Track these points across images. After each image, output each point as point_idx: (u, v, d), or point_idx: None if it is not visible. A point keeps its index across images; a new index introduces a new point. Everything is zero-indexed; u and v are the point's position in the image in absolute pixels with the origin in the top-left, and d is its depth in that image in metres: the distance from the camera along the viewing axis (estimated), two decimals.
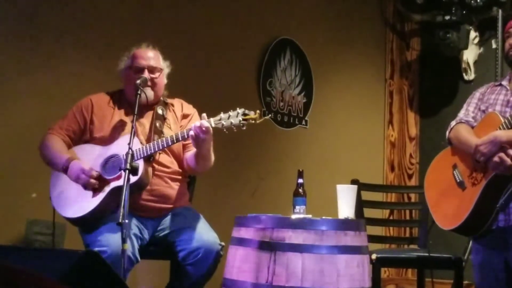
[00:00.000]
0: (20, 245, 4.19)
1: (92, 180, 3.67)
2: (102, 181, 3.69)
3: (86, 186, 3.69)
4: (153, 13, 5.11)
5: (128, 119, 3.86)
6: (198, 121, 3.63)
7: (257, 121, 3.56)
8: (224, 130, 3.58)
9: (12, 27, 4.37)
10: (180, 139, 3.69)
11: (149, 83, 3.84)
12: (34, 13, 4.47)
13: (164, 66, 3.97)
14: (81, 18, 4.68)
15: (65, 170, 3.74)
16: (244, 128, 3.55)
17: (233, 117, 3.54)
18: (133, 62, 3.89)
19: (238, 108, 3.56)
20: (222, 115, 3.58)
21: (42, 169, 3.95)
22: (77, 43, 4.63)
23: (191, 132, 3.60)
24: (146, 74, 3.84)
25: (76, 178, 3.69)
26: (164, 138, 3.70)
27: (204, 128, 3.56)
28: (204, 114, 3.65)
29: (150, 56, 3.93)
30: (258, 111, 3.56)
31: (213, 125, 3.58)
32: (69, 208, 3.72)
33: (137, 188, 3.65)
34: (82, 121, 3.89)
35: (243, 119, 3.52)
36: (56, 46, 4.53)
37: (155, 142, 3.68)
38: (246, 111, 3.54)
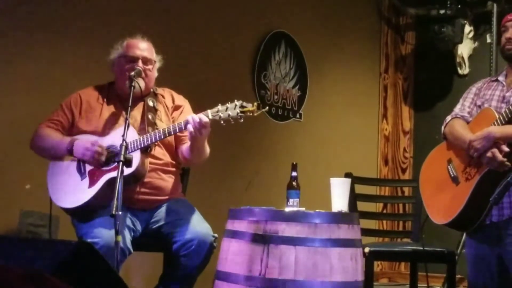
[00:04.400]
0: (13, 235, 4.19)
1: (100, 149, 3.65)
2: (99, 171, 3.69)
3: (95, 157, 3.65)
4: (147, 4, 5.09)
5: (118, 112, 3.85)
6: (196, 114, 3.62)
7: (255, 114, 3.54)
8: (222, 122, 3.56)
9: (3, 19, 4.35)
10: (178, 130, 3.68)
11: (142, 74, 3.83)
12: (26, 5, 4.45)
13: (157, 59, 3.97)
14: (73, 9, 4.66)
15: (70, 149, 3.72)
16: (242, 120, 3.54)
17: (231, 109, 3.53)
18: (127, 51, 3.87)
19: (236, 100, 3.54)
20: (219, 107, 3.57)
21: (35, 161, 3.94)
22: (69, 35, 4.61)
23: (189, 126, 3.59)
24: (140, 65, 3.82)
25: (85, 150, 3.66)
26: (161, 129, 3.69)
27: (203, 123, 3.56)
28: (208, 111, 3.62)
29: (145, 47, 3.91)
30: (255, 103, 3.55)
31: (210, 117, 3.57)
32: (66, 198, 3.71)
33: (134, 180, 3.65)
34: (70, 116, 3.88)
35: (241, 111, 3.51)
36: (47, 38, 4.51)
37: (152, 133, 3.68)
38: (244, 103, 3.52)
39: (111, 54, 3.94)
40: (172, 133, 3.68)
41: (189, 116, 3.63)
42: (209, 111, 3.59)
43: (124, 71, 3.81)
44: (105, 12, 4.82)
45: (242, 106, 3.51)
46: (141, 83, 3.81)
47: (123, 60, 3.87)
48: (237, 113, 3.51)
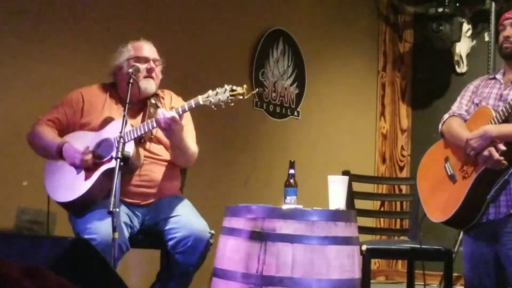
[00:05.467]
0: (10, 232, 4.19)
1: (87, 157, 3.66)
2: (94, 164, 3.69)
3: (81, 164, 3.68)
4: (146, 3, 5.09)
5: (118, 114, 3.85)
6: (168, 111, 3.65)
7: (245, 96, 3.60)
8: (213, 107, 3.60)
9: (4, 16, 4.34)
10: (155, 125, 3.68)
11: (153, 75, 3.88)
12: (26, 2, 4.45)
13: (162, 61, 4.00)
14: (74, 8, 4.66)
15: (59, 153, 3.73)
16: (232, 104, 3.58)
17: (221, 93, 3.58)
18: (138, 53, 3.89)
19: (225, 85, 3.59)
20: (210, 92, 3.61)
21: (33, 157, 3.94)
22: (70, 33, 4.61)
23: (159, 120, 3.61)
24: (152, 64, 3.86)
25: (72, 158, 3.69)
26: (153, 119, 3.70)
27: (172, 117, 3.59)
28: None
29: (152, 49, 3.96)
30: (245, 86, 3.60)
31: (201, 103, 3.61)
32: (63, 192, 3.72)
33: (128, 171, 3.65)
34: (70, 114, 3.88)
35: (231, 95, 3.56)
36: (49, 36, 4.51)
37: (144, 123, 3.69)
38: (234, 87, 3.58)
39: (115, 58, 3.91)
40: (151, 127, 3.68)
41: (160, 113, 3.65)
42: (200, 97, 3.62)
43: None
44: (105, 11, 4.81)
45: (232, 90, 3.57)
46: (151, 84, 3.87)
47: (134, 61, 3.86)
48: (227, 97, 3.56)
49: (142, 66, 3.84)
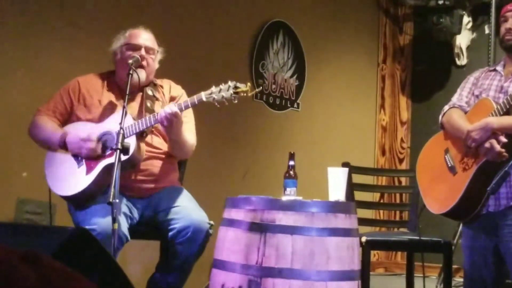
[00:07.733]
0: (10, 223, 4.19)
1: (93, 144, 3.65)
2: (96, 158, 3.69)
3: (90, 153, 3.66)
4: None
5: (116, 101, 3.85)
6: (168, 106, 3.65)
7: (248, 94, 3.61)
8: (216, 103, 3.60)
9: (4, 7, 4.34)
10: (156, 121, 3.68)
11: (143, 63, 3.83)
12: None
13: (159, 50, 3.97)
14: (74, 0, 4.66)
15: (62, 145, 3.73)
16: (236, 101, 3.59)
17: (224, 90, 3.58)
18: (130, 40, 3.88)
19: (229, 81, 3.59)
20: (213, 89, 3.61)
21: (33, 148, 3.94)
22: (71, 22, 4.60)
23: (161, 117, 3.61)
24: (142, 53, 3.83)
25: (79, 148, 3.68)
26: (156, 113, 3.69)
27: (173, 113, 3.58)
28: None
29: (147, 37, 3.92)
30: (249, 84, 3.61)
31: (204, 99, 3.60)
32: (64, 186, 3.71)
33: (130, 165, 3.65)
34: (68, 104, 3.87)
35: (234, 92, 3.56)
36: (49, 26, 4.51)
37: (147, 118, 3.68)
38: (237, 84, 3.58)
39: (113, 44, 3.93)
40: (153, 122, 3.68)
41: (162, 109, 3.64)
42: (203, 93, 3.62)
43: (126, 59, 3.79)
44: (105, 3, 4.81)
45: (235, 87, 3.57)
46: (141, 73, 3.82)
47: (126, 48, 3.86)
48: (231, 94, 3.57)
49: (131, 53, 3.82)
